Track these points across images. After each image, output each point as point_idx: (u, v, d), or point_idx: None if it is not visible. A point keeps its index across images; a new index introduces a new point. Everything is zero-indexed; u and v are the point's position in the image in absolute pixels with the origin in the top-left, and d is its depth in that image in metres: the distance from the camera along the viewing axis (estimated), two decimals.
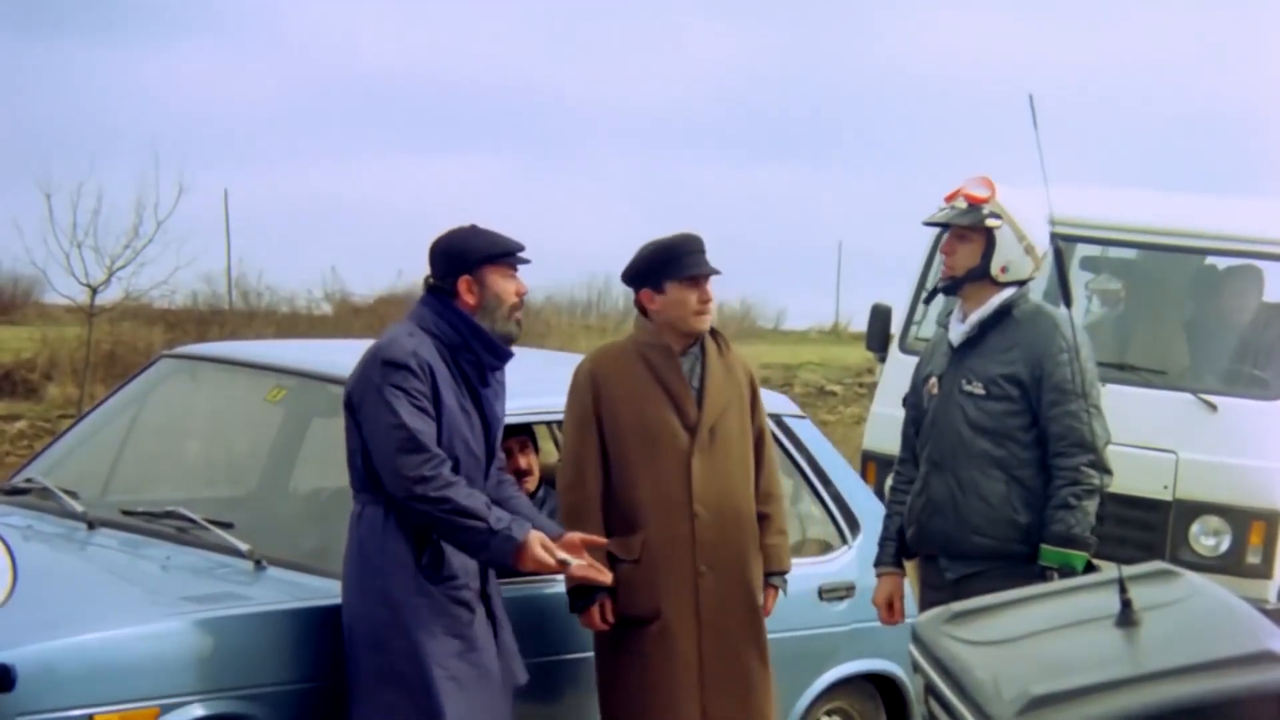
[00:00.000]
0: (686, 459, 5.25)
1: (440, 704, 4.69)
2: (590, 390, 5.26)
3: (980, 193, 5.31)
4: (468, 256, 4.91)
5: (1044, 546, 5.17)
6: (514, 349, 5.00)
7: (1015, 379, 5.25)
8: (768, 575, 5.39)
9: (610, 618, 5.20)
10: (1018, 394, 5.25)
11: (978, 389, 5.29)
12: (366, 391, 4.78)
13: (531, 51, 41.66)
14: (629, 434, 5.24)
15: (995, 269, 5.30)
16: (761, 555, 5.38)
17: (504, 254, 4.94)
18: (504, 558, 4.71)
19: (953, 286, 5.38)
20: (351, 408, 4.81)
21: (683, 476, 5.24)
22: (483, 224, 5.01)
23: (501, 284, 4.92)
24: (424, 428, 4.70)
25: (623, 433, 5.24)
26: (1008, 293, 5.32)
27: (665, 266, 5.28)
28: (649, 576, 5.22)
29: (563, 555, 4.76)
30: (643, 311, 5.35)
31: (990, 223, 5.27)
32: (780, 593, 5.44)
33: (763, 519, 5.39)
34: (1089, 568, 5.12)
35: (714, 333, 5.40)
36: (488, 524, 4.68)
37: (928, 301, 5.66)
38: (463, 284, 4.89)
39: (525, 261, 4.99)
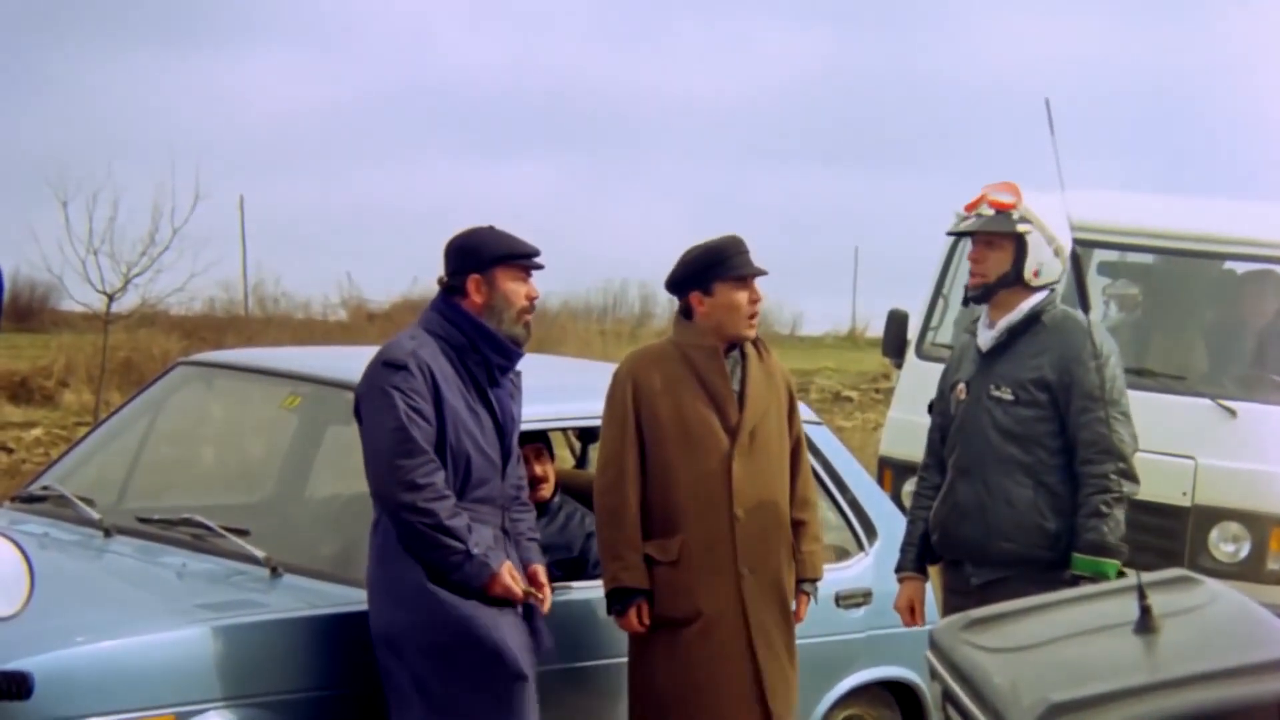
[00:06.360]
0: (728, 461, 5.25)
1: (470, 706, 4.70)
2: (630, 391, 5.26)
3: (1007, 199, 5.30)
4: (480, 255, 4.91)
5: (1076, 555, 5.14)
6: (527, 352, 4.99)
7: (1044, 384, 5.23)
8: (801, 582, 5.40)
9: (647, 620, 5.20)
10: (1046, 399, 5.23)
11: (1006, 394, 5.27)
12: (367, 393, 4.79)
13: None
14: (669, 435, 5.24)
15: (1028, 273, 5.28)
16: (796, 562, 5.38)
17: (516, 256, 4.93)
18: (475, 582, 4.73)
19: (985, 294, 5.34)
20: (358, 413, 4.82)
21: (723, 478, 5.24)
22: (503, 226, 5.02)
23: (511, 286, 4.91)
24: (420, 431, 4.70)
25: (663, 434, 5.24)
26: (1037, 298, 5.31)
27: (713, 268, 5.29)
28: (688, 578, 5.22)
29: (528, 588, 4.84)
30: (687, 316, 5.35)
31: (1022, 228, 5.26)
32: (811, 600, 5.45)
33: (798, 525, 5.40)
34: (1121, 576, 5.09)
35: (754, 338, 5.40)
36: (466, 547, 4.70)
37: (965, 305, 5.66)
38: (472, 283, 4.89)
39: (539, 267, 4.98)
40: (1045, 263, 5.29)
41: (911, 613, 5.49)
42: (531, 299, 4.96)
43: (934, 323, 8.43)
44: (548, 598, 4.94)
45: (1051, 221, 5.30)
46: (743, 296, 5.29)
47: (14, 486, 8.56)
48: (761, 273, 5.33)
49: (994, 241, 5.31)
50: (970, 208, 5.39)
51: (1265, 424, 7.66)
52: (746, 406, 5.30)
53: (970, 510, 5.30)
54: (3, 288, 4.09)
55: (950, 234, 5.59)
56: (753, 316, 5.32)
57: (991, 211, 5.31)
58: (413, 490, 4.68)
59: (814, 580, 5.44)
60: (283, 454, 6.00)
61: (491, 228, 4.99)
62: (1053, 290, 5.35)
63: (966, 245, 5.58)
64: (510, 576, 4.78)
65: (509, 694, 4.77)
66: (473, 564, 4.72)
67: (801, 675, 5.46)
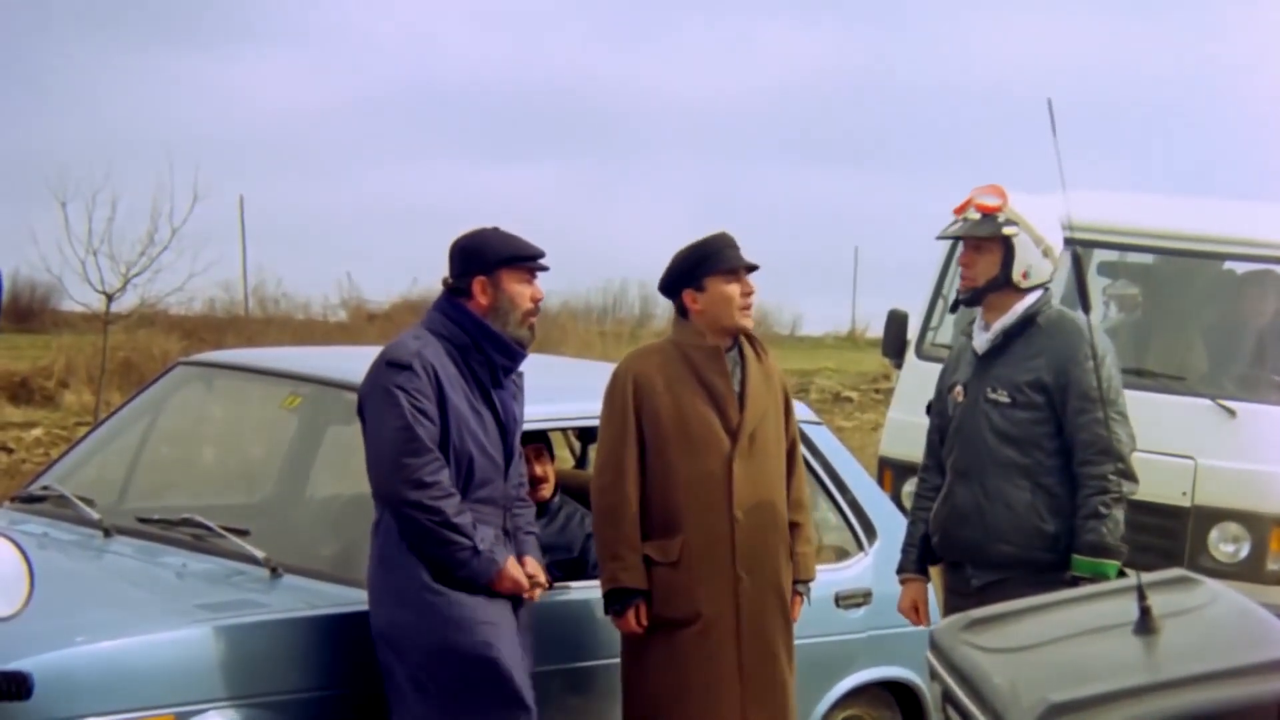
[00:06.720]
0: (728, 462, 5.25)
1: (469, 704, 4.71)
2: (631, 390, 5.25)
3: (992, 201, 5.30)
4: (485, 257, 4.92)
5: (1076, 557, 5.14)
6: (528, 352, 5.00)
7: (1041, 386, 5.23)
8: (794, 583, 5.40)
9: (644, 621, 5.20)
10: (1043, 401, 5.23)
11: (1003, 397, 5.27)
12: (371, 392, 4.80)
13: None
14: (670, 435, 5.23)
15: (1017, 275, 5.28)
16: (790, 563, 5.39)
17: (522, 258, 4.94)
18: (482, 578, 4.75)
19: (974, 297, 5.36)
20: (361, 413, 4.82)
21: (724, 480, 5.24)
22: (506, 228, 5.02)
23: (516, 288, 4.92)
24: (425, 430, 4.71)
25: (664, 434, 5.23)
26: (1031, 299, 5.31)
27: (704, 263, 5.29)
28: (688, 579, 5.22)
29: (536, 580, 4.88)
30: (684, 316, 5.35)
31: (1007, 230, 5.26)
32: (805, 601, 5.45)
33: (792, 527, 5.41)
34: (1121, 576, 5.09)
35: (750, 338, 5.40)
36: (473, 543, 4.72)
37: (953, 311, 5.69)
38: (477, 285, 4.90)
39: (544, 269, 4.99)
40: (1034, 265, 5.29)
41: (916, 613, 5.49)
42: (536, 300, 4.96)
43: (934, 323, 8.43)
44: (542, 586, 4.95)
45: (1040, 222, 5.30)
46: (734, 289, 5.29)
47: (14, 486, 8.56)
48: (753, 266, 5.33)
49: (982, 245, 5.31)
50: (958, 211, 5.39)
51: (1265, 424, 7.66)
52: (747, 407, 5.30)
53: (969, 513, 5.30)
54: (2, 288, 4.10)
55: (939, 238, 5.60)
56: (746, 308, 5.33)
57: (978, 215, 5.31)
58: (419, 488, 4.68)
59: (807, 581, 5.45)
60: (283, 454, 6.00)
61: (496, 229, 5.00)
62: (1047, 291, 5.35)
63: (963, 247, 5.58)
64: (517, 570, 4.80)
65: (508, 694, 4.77)
66: (480, 560, 4.73)
67: (801, 675, 5.46)
